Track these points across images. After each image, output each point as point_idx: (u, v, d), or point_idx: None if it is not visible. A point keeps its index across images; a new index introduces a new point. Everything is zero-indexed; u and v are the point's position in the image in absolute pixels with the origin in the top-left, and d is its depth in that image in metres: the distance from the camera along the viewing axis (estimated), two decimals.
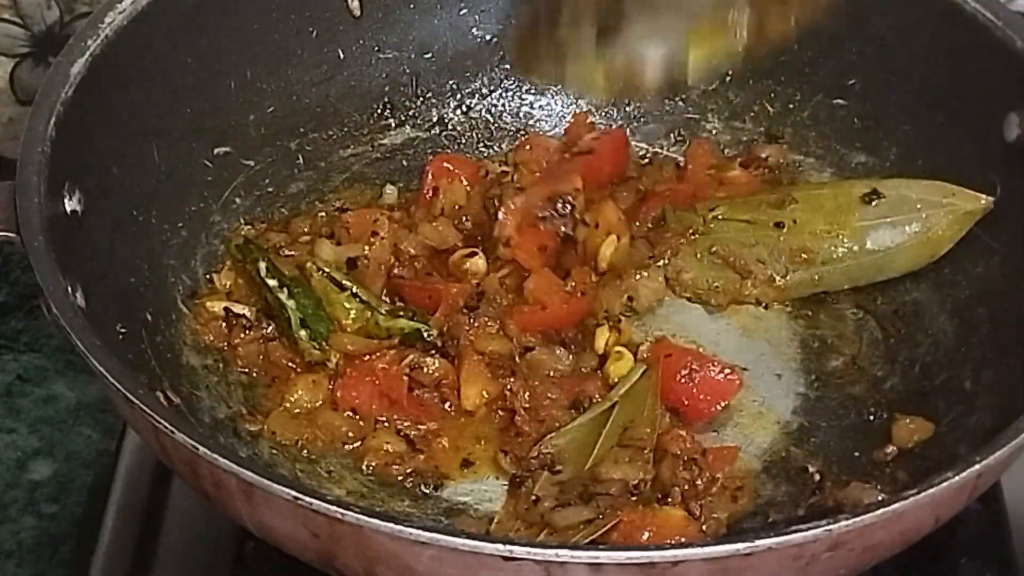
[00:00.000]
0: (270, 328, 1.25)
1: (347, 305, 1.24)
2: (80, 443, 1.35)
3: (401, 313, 1.25)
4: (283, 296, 1.23)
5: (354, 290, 1.25)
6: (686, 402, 1.22)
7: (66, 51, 1.19)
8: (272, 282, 1.24)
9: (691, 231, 1.32)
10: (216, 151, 1.31)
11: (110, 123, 1.21)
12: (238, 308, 1.25)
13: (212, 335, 1.25)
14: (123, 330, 1.15)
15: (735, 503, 1.17)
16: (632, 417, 1.20)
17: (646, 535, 1.11)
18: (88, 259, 1.14)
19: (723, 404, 1.23)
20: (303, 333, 1.23)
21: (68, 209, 1.14)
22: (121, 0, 1.22)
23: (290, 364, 1.24)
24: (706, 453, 1.18)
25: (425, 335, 1.23)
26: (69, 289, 1.06)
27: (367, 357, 1.22)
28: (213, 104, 1.30)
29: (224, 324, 1.25)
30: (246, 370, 1.24)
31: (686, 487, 1.16)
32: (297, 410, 1.21)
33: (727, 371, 1.23)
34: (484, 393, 1.23)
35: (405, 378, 1.22)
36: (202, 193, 1.30)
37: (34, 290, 1.06)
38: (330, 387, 1.22)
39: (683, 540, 1.09)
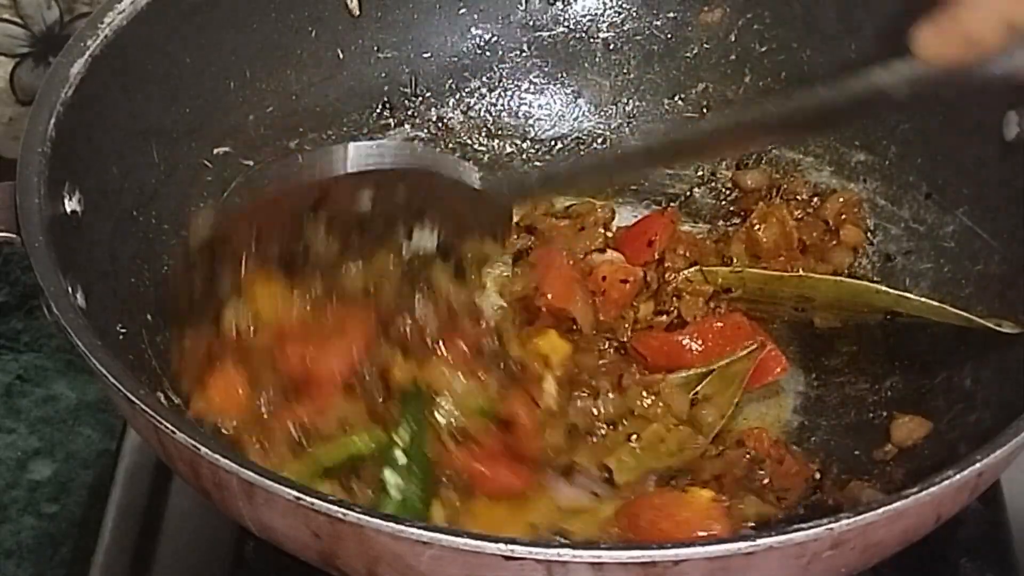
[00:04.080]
0: None
1: None
2: (80, 443, 1.35)
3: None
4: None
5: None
6: None
7: (66, 51, 1.19)
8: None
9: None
10: (216, 151, 1.31)
11: (110, 123, 1.20)
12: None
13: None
14: (123, 330, 1.15)
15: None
16: (712, 395, 1.19)
17: (671, 520, 1.10)
18: (88, 259, 1.14)
19: (767, 380, 1.23)
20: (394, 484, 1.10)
21: (68, 209, 1.13)
22: (121, 0, 1.22)
23: None
24: (783, 462, 1.17)
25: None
26: (69, 289, 1.06)
27: None
28: (213, 104, 1.30)
29: None
30: None
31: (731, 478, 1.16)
32: None
33: (773, 350, 1.24)
34: None
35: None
36: (202, 193, 1.30)
37: (34, 290, 1.06)
38: None
39: (707, 525, 1.09)
